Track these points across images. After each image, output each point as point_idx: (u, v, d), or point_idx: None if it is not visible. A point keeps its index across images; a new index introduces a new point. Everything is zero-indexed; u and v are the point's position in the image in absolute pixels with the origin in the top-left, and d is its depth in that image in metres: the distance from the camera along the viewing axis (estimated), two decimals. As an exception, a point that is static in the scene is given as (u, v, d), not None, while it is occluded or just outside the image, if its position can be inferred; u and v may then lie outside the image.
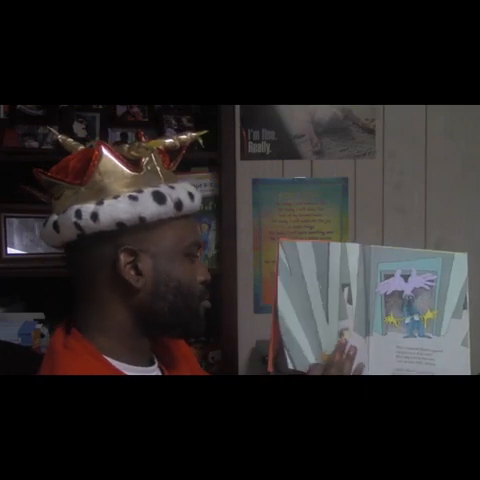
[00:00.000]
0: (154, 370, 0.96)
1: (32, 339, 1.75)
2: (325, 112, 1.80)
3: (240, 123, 1.79)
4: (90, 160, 0.88)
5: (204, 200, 1.76)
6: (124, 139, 1.87)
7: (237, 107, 1.78)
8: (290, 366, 1.07)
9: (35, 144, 1.84)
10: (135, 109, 1.92)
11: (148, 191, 0.88)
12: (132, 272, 0.88)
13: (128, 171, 0.89)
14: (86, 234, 0.87)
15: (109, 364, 0.88)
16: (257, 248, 1.81)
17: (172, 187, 0.91)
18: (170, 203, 0.89)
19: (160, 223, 0.89)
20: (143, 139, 0.92)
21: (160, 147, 0.92)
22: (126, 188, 0.88)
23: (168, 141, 0.93)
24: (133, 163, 0.90)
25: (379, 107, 1.80)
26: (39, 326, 1.77)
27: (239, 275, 1.76)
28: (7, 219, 1.78)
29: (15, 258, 1.79)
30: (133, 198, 0.87)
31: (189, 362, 1.06)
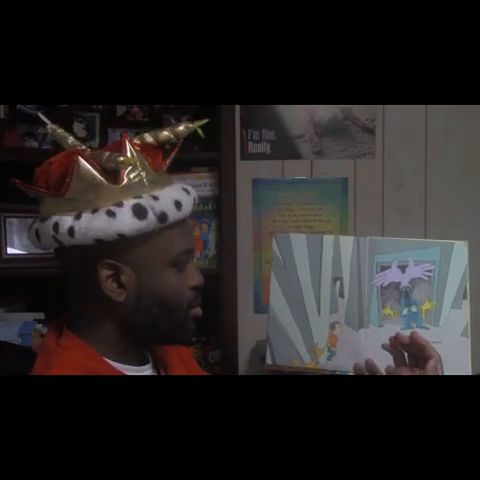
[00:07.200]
0: (146, 370, 0.94)
1: (32, 339, 1.75)
2: (325, 112, 1.80)
3: (240, 123, 1.79)
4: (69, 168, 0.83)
5: (204, 200, 1.77)
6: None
7: (237, 107, 1.78)
8: (269, 361, 1.08)
9: (35, 144, 1.84)
10: (135, 109, 1.92)
11: (128, 205, 0.82)
12: (114, 285, 0.85)
13: (107, 183, 0.82)
14: (66, 246, 0.84)
15: (103, 361, 0.88)
16: (257, 248, 1.81)
17: (156, 198, 0.84)
18: (152, 217, 0.82)
19: (144, 236, 0.84)
20: (127, 142, 0.83)
21: (153, 143, 0.88)
22: (105, 201, 0.82)
23: (162, 135, 0.88)
24: (112, 174, 0.83)
25: (379, 107, 1.80)
26: (39, 326, 1.78)
27: (239, 275, 1.76)
28: (7, 219, 1.78)
29: (15, 258, 1.79)
30: (111, 214, 0.81)
31: (186, 362, 1.06)
